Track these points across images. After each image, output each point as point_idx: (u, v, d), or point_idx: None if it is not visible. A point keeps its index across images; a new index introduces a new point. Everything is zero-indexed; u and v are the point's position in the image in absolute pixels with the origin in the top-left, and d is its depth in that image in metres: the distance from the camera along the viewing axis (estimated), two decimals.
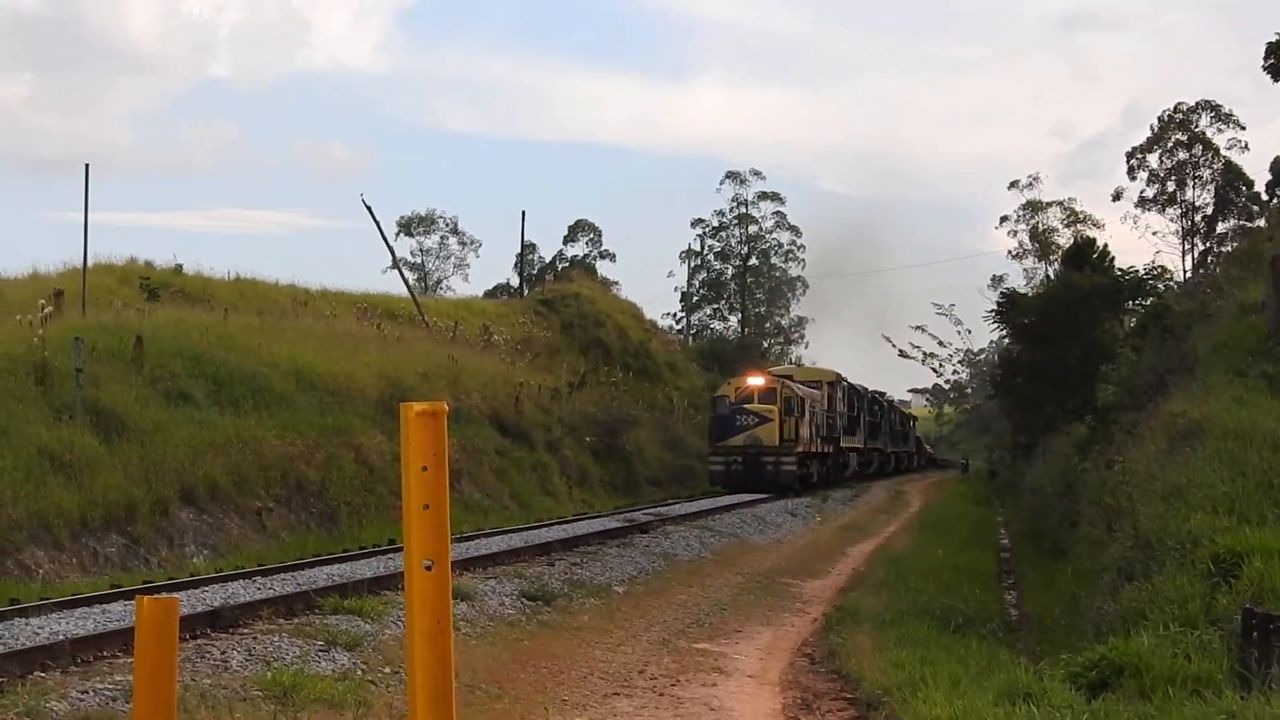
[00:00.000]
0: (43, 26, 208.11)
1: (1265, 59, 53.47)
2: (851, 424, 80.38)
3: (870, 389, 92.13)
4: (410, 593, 5.62)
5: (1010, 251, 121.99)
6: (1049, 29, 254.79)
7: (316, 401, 40.66)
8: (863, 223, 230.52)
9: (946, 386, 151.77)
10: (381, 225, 73.36)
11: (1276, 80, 52.79)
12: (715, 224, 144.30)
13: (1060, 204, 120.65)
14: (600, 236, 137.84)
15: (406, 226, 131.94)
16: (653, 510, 44.83)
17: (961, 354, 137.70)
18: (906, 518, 55.73)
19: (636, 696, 17.73)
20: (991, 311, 67.01)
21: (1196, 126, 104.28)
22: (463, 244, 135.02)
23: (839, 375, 78.55)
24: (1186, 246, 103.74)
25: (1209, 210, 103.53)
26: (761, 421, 59.63)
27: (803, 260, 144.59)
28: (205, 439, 33.55)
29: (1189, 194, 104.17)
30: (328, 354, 45.15)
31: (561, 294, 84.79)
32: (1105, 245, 64.31)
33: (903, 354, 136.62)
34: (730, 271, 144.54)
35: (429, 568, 5.61)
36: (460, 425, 46.00)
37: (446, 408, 5.68)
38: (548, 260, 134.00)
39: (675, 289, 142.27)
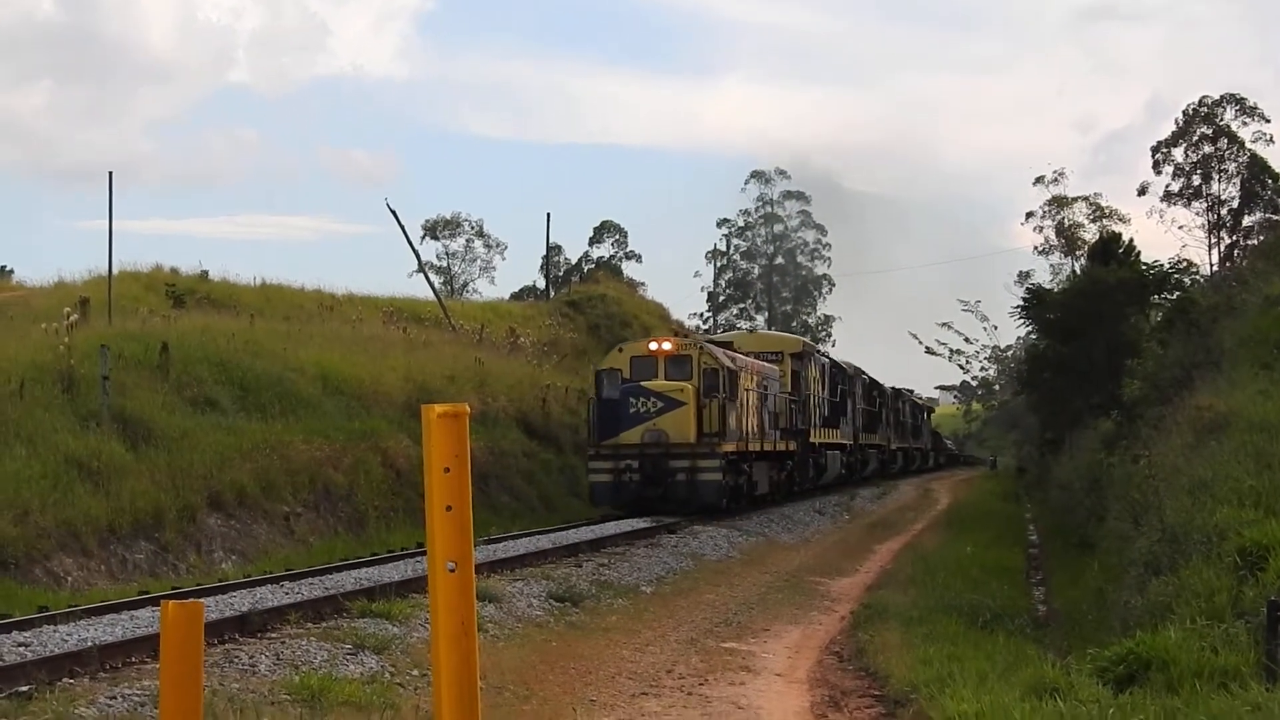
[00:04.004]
0: (61, 35, 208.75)
1: None
2: (834, 412, 63.82)
3: (867, 372, 79.68)
4: (434, 595, 5.65)
5: (1036, 247, 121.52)
6: (1070, 22, 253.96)
7: (343, 406, 40.74)
8: (888, 219, 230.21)
9: (974, 383, 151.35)
10: (407, 229, 73.86)
11: None
12: (741, 224, 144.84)
13: (1086, 199, 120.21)
14: (626, 237, 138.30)
15: (432, 230, 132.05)
16: None
17: (988, 350, 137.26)
18: (935, 515, 55.67)
19: (665, 696, 17.75)
20: (1018, 307, 67.05)
21: (1221, 120, 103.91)
22: (488, 247, 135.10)
23: (807, 344, 63.37)
24: (1212, 240, 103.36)
25: (1235, 204, 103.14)
26: (668, 407, 42.15)
27: (829, 259, 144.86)
28: (232, 445, 33.62)
29: (1214, 188, 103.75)
30: (354, 358, 45.22)
31: (587, 295, 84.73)
32: (1131, 240, 64.43)
33: (929, 351, 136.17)
34: (756, 271, 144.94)
35: (453, 569, 5.64)
36: (487, 428, 46.02)
37: (468, 409, 5.71)
38: (574, 262, 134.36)
39: (702, 289, 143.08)
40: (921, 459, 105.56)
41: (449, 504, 5.63)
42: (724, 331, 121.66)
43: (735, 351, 48.34)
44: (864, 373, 78.22)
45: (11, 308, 45.63)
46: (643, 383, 42.71)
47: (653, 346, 44.38)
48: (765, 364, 51.46)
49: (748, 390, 46.47)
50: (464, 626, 5.66)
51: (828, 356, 69.51)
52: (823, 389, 61.60)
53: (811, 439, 57.43)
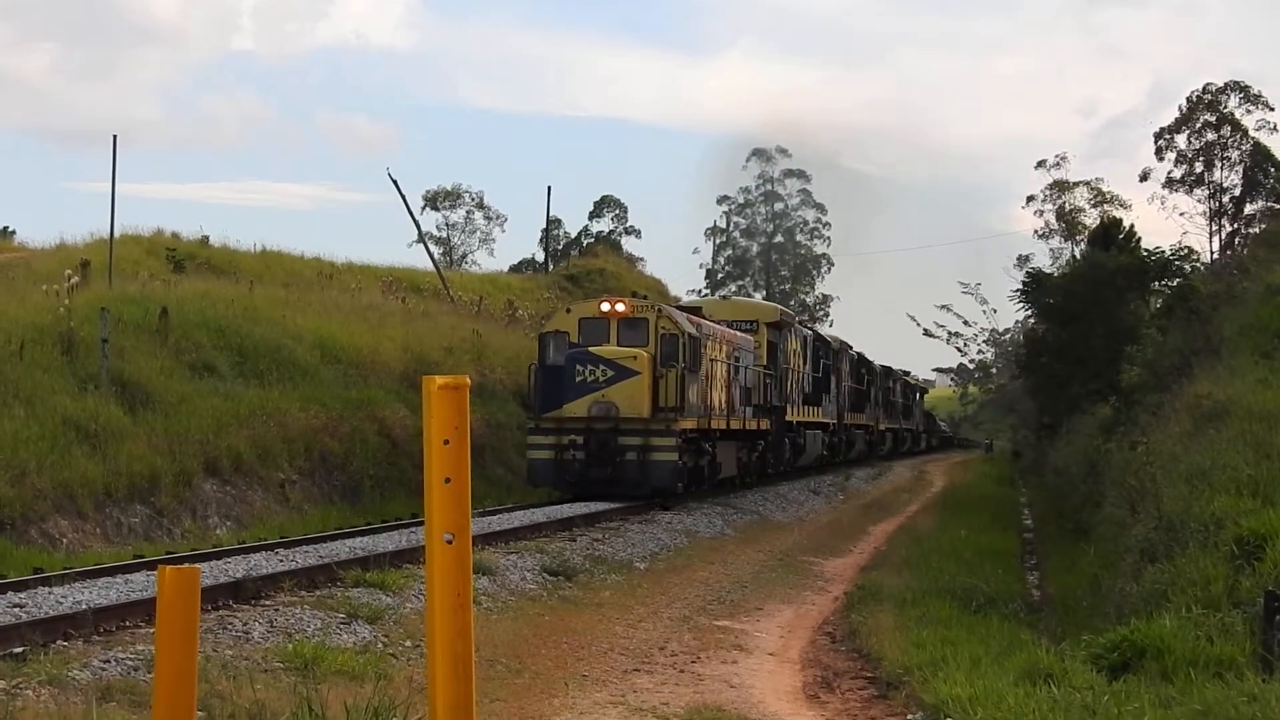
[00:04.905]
0: None
1: None
2: (816, 389, 59.14)
3: (854, 348, 75.55)
4: (431, 566, 5.63)
5: (1036, 231, 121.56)
6: (1073, 5, 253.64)
7: (341, 374, 40.78)
8: (888, 200, 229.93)
9: (971, 366, 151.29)
10: (407, 199, 73.88)
11: None
12: (741, 201, 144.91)
13: (1087, 184, 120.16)
14: (625, 212, 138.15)
15: (432, 201, 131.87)
16: None
17: (987, 334, 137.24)
18: (929, 497, 55.68)
19: (657, 673, 17.74)
20: (1017, 291, 66.99)
21: (1225, 107, 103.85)
22: (488, 219, 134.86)
23: (785, 313, 57.74)
24: (1214, 228, 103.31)
25: (1237, 191, 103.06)
26: (619, 376, 36.88)
27: (828, 238, 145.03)
28: (229, 411, 33.66)
29: (1217, 175, 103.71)
30: (352, 327, 45.25)
31: (586, 269, 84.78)
32: (1132, 226, 64.25)
33: (927, 333, 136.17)
34: (755, 249, 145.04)
35: (450, 541, 5.62)
36: (484, 400, 45.98)
37: (469, 382, 5.68)
38: (573, 236, 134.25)
39: (700, 266, 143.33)
40: (912, 441, 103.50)
41: (448, 476, 5.61)
42: None
43: (705, 319, 43.11)
44: (851, 348, 74.10)
45: (13, 269, 45.64)
46: (591, 348, 37.49)
47: (604, 307, 38.87)
48: (738, 334, 46.43)
49: (715, 361, 41.64)
50: (460, 599, 5.64)
51: (810, 328, 65.79)
52: (804, 363, 57.06)
53: (789, 417, 52.63)
